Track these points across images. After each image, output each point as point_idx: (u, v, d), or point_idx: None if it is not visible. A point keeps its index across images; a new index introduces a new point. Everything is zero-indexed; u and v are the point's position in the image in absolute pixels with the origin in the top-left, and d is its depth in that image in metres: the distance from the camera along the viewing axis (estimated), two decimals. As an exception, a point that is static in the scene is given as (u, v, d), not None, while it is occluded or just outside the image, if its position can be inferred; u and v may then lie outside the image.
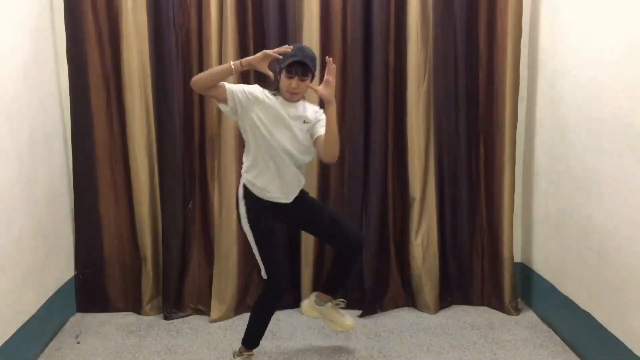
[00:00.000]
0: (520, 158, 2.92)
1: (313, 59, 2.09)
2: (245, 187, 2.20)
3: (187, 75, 2.80)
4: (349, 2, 2.74)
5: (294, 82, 2.05)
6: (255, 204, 2.18)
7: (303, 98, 2.19)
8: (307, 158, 2.22)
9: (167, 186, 2.84)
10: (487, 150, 2.88)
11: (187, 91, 2.81)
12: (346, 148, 2.86)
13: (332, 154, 2.07)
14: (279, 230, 2.34)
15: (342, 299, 2.48)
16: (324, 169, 2.87)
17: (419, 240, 2.86)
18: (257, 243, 2.18)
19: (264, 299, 2.24)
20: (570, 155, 2.44)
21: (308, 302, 2.50)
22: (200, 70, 2.78)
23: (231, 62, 2.01)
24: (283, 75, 2.06)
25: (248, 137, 2.17)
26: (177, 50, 2.76)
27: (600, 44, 2.18)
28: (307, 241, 2.86)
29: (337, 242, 2.33)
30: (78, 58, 2.75)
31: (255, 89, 2.12)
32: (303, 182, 2.26)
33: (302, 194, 2.29)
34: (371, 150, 2.84)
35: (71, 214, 2.89)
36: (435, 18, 2.75)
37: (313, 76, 2.10)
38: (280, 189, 2.17)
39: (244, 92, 2.08)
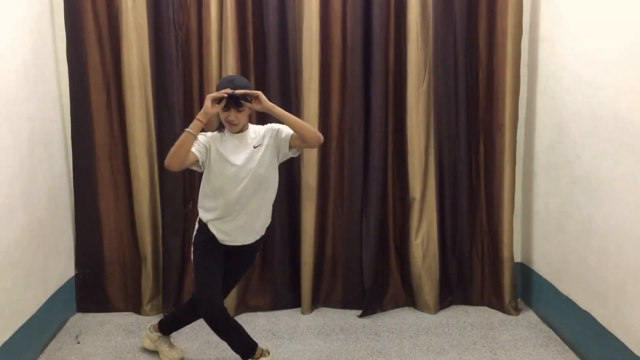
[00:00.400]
0: (520, 158, 2.92)
1: (245, 87, 2.09)
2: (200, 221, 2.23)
3: (187, 75, 2.81)
4: (349, 2, 2.74)
5: (232, 114, 2.07)
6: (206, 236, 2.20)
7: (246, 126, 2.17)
8: (267, 185, 2.18)
9: (167, 186, 2.84)
10: (487, 150, 2.88)
11: (187, 91, 2.82)
12: (346, 148, 2.86)
13: (309, 138, 2.07)
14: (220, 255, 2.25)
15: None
16: (324, 168, 2.87)
17: (419, 240, 2.86)
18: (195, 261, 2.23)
19: (197, 308, 2.22)
20: (570, 155, 2.44)
21: (145, 333, 2.53)
22: (200, 69, 2.79)
23: (186, 130, 2.04)
24: (220, 111, 2.08)
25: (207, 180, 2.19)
26: (177, 50, 2.76)
27: (600, 43, 2.18)
28: (307, 241, 2.86)
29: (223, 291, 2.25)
30: (78, 58, 2.76)
31: (202, 138, 2.13)
32: (258, 229, 2.24)
33: (252, 251, 2.29)
34: (371, 150, 2.84)
35: (71, 214, 2.89)
36: (435, 18, 2.75)
37: (251, 101, 2.07)
38: (232, 231, 2.16)
39: (200, 143, 2.11)
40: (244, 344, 2.21)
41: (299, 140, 2.09)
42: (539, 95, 2.77)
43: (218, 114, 2.11)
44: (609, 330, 2.14)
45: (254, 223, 2.20)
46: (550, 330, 2.68)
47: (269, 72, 2.77)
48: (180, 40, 2.77)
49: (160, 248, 2.89)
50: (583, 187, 2.33)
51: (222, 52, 2.70)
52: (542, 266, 2.81)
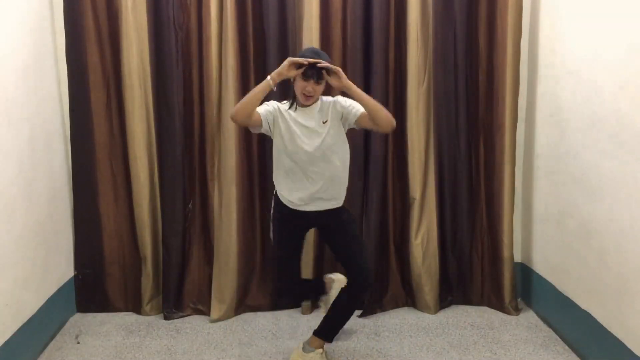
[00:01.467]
0: (520, 158, 2.92)
1: (327, 62, 2.11)
2: (275, 195, 2.30)
3: (187, 75, 2.81)
4: (349, 2, 2.74)
5: (310, 85, 2.09)
6: (282, 210, 2.26)
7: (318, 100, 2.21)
8: (334, 161, 2.19)
9: (167, 186, 2.84)
10: (487, 150, 2.88)
11: (187, 91, 2.82)
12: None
13: (382, 120, 2.07)
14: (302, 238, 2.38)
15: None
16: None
17: (419, 240, 2.86)
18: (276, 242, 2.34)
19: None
20: (570, 155, 2.44)
21: (296, 351, 2.35)
22: (200, 69, 2.78)
23: (268, 77, 2.05)
24: (298, 80, 2.10)
25: (275, 150, 2.24)
26: (177, 50, 2.76)
27: (600, 43, 2.18)
28: (307, 242, 2.85)
29: (347, 270, 2.33)
30: (78, 58, 2.76)
31: (273, 105, 2.18)
32: (335, 193, 2.24)
33: (339, 213, 2.28)
34: (371, 150, 2.84)
35: (71, 214, 2.89)
36: (435, 18, 2.75)
37: (331, 75, 2.11)
38: (301, 198, 2.20)
39: (269, 111, 2.15)
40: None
41: (370, 121, 2.11)
42: (539, 95, 2.77)
43: (293, 85, 2.13)
44: (609, 330, 2.14)
45: (325, 191, 2.19)
46: (550, 330, 2.68)
47: (269, 72, 2.74)
48: (180, 40, 2.77)
49: (160, 248, 2.89)
50: (583, 187, 2.33)
51: (222, 52, 2.70)
52: (542, 266, 2.81)
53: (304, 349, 2.31)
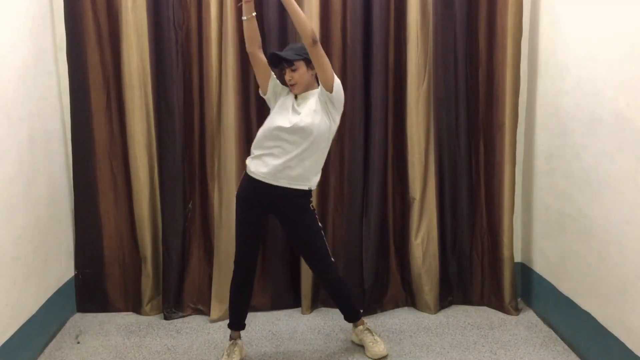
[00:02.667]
0: (520, 158, 2.92)
1: (294, 49, 2.24)
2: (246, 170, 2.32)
3: (187, 75, 2.81)
4: (349, 2, 2.74)
5: (287, 74, 2.22)
6: (246, 185, 2.29)
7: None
8: (306, 138, 2.18)
9: (167, 186, 2.84)
10: (487, 150, 2.87)
11: (187, 91, 2.82)
12: (346, 148, 2.86)
13: (300, 32, 2.09)
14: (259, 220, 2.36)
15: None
16: (324, 168, 2.85)
17: (419, 240, 2.86)
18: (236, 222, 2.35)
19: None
20: (570, 155, 2.44)
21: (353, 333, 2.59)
22: (200, 69, 2.78)
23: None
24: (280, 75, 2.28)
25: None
26: (177, 50, 2.76)
27: (600, 43, 2.18)
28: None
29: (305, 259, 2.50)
30: (78, 58, 2.76)
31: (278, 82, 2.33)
32: (299, 172, 2.21)
33: (299, 199, 2.27)
34: (371, 150, 2.84)
35: (71, 213, 2.89)
36: (435, 18, 2.75)
37: (304, 60, 2.20)
38: (267, 166, 2.20)
39: (278, 84, 2.32)
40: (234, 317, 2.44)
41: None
42: (539, 95, 2.77)
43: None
44: (609, 330, 2.14)
45: (290, 169, 2.20)
46: (550, 330, 2.68)
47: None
48: (180, 40, 2.77)
49: (160, 248, 2.89)
50: (583, 187, 2.33)
51: (222, 52, 2.70)
52: (542, 266, 2.81)
53: (355, 332, 2.53)
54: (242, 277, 2.34)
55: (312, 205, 2.34)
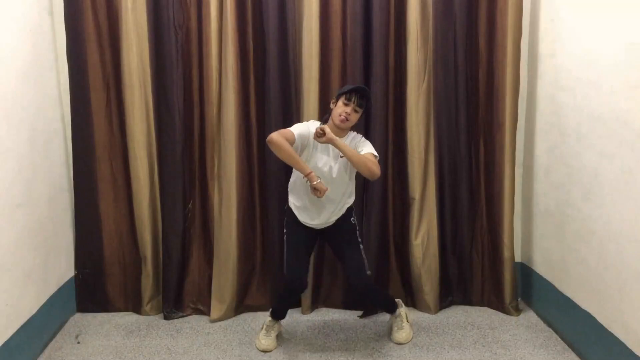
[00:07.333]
0: (520, 158, 2.92)
1: (369, 94, 2.34)
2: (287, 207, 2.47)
3: (187, 75, 2.81)
4: (349, 2, 2.74)
5: (349, 108, 2.25)
6: (293, 218, 2.43)
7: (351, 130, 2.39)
8: (340, 188, 2.37)
9: (167, 186, 2.84)
10: (487, 150, 2.88)
11: (187, 91, 2.82)
12: (346, 148, 2.86)
13: (363, 173, 2.24)
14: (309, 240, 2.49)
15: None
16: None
17: (419, 240, 2.86)
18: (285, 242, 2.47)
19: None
20: (570, 155, 2.44)
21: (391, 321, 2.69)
22: (200, 69, 2.79)
23: (311, 173, 2.17)
24: (340, 102, 2.27)
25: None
26: (177, 50, 2.76)
27: (600, 43, 2.18)
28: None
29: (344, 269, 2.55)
30: (78, 58, 2.76)
31: (309, 128, 2.31)
32: (339, 211, 2.41)
33: (340, 221, 2.43)
34: (371, 150, 2.84)
35: (71, 214, 2.89)
36: (435, 18, 2.75)
37: (365, 112, 2.35)
38: (310, 216, 2.38)
39: (302, 136, 2.27)
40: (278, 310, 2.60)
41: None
42: (539, 95, 2.77)
43: (331, 111, 2.32)
44: (609, 330, 2.14)
45: (325, 212, 2.38)
46: (550, 330, 2.68)
47: (268, 72, 2.77)
48: (180, 40, 2.77)
49: (160, 248, 2.89)
50: (583, 187, 2.33)
51: (222, 52, 2.70)
52: (542, 266, 2.81)
53: (395, 321, 2.62)
54: (296, 283, 2.40)
55: (354, 219, 2.48)
